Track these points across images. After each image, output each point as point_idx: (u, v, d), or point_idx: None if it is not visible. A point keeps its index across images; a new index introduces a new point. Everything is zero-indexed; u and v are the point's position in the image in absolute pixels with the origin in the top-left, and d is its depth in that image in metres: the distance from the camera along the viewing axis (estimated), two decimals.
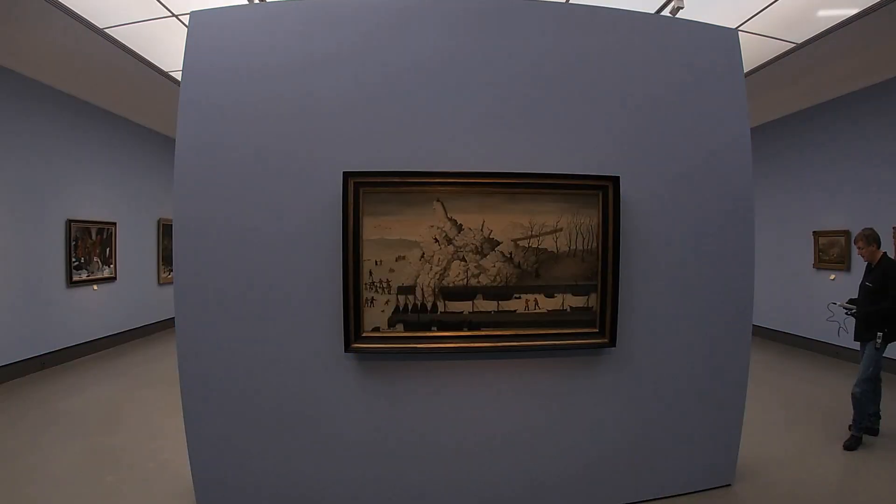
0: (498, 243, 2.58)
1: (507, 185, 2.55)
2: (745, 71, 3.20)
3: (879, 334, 3.49)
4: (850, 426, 3.63)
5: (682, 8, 3.86)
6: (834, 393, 4.82)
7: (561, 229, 2.61)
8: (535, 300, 2.61)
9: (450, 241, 2.55)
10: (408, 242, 2.52)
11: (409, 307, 2.54)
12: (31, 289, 5.40)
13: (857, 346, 5.59)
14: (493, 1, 2.69)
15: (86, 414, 4.17)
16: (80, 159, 6.16)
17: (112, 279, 6.71)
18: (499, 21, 2.66)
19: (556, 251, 2.61)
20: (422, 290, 2.54)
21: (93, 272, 6.34)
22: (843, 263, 6.04)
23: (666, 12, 4.06)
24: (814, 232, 6.46)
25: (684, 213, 2.79)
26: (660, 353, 2.78)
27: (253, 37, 2.55)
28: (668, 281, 2.76)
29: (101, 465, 3.20)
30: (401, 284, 2.52)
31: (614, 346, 2.64)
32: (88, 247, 6.26)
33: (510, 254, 2.58)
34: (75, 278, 6.01)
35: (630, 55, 2.75)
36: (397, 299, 2.53)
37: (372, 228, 2.50)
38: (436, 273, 2.54)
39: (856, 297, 3.85)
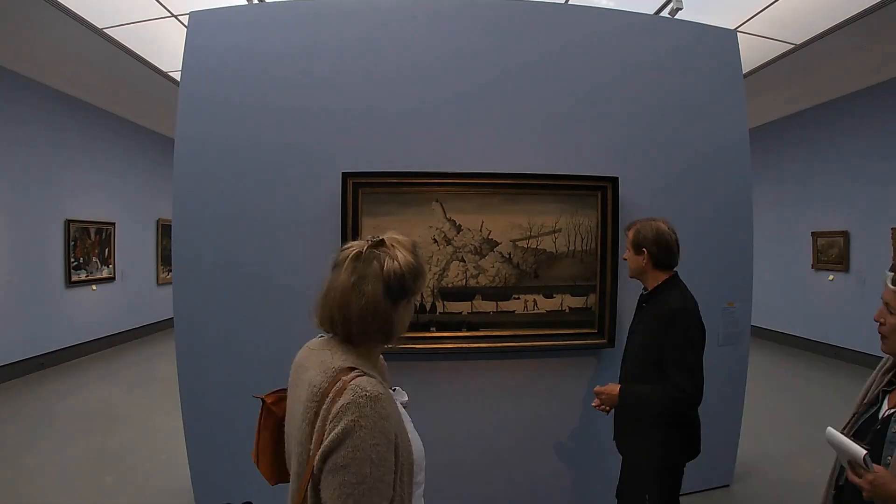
0: (497, 244, 2.58)
1: (505, 186, 2.55)
2: (743, 72, 3.20)
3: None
4: None
5: (681, 9, 3.86)
6: (832, 393, 4.83)
7: (560, 230, 2.61)
8: (534, 301, 2.62)
9: (448, 242, 2.55)
10: None
11: None
12: (31, 289, 5.39)
13: (857, 343, 5.43)
14: (492, 2, 2.69)
15: (85, 414, 4.16)
16: (78, 159, 6.15)
17: (111, 279, 6.70)
18: (498, 21, 2.66)
19: (554, 252, 2.61)
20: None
21: (91, 272, 6.33)
22: (841, 264, 6.04)
23: (665, 13, 4.07)
24: (812, 232, 6.46)
25: (683, 213, 2.78)
26: None
27: (252, 37, 2.55)
28: None
29: (100, 465, 3.20)
30: None
31: (613, 346, 2.64)
32: (87, 247, 6.25)
33: (509, 254, 2.59)
34: (74, 278, 6.00)
35: (629, 56, 2.75)
36: None
37: (371, 229, 2.49)
38: (434, 274, 2.54)
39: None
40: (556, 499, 2.75)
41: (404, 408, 1.13)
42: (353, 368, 0.96)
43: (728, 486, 2.97)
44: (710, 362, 2.82)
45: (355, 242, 1.07)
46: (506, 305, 2.60)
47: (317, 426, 0.91)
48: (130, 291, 7.14)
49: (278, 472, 1.18)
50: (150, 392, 4.80)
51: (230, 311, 2.52)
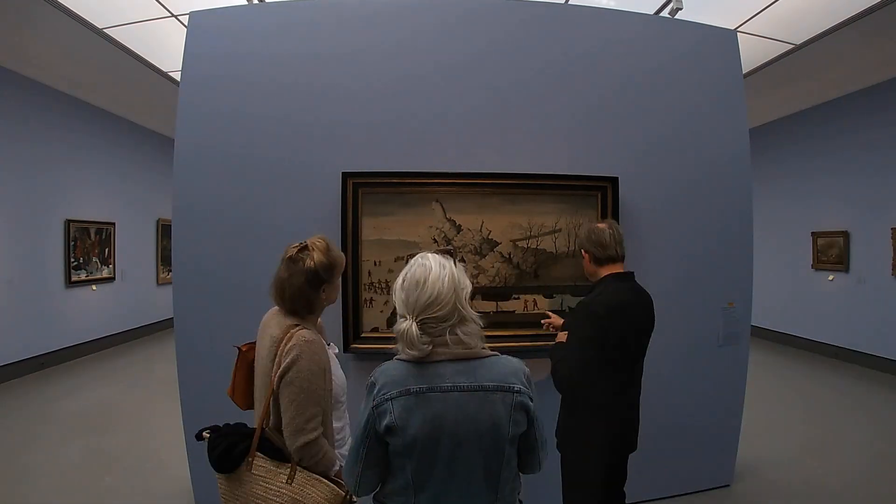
0: (497, 244, 2.58)
1: (505, 186, 2.55)
2: (744, 72, 3.20)
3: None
4: None
5: (681, 9, 3.86)
6: (832, 393, 4.83)
7: (560, 230, 2.61)
8: (534, 301, 2.61)
9: (449, 242, 2.55)
10: (406, 243, 2.52)
11: None
12: (31, 289, 5.39)
13: (857, 343, 5.44)
14: (492, 5, 2.69)
15: (84, 414, 4.16)
16: (78, 159, 6.15)
17: (111, 279, 6.70)
18: (498, 21, 2.66)
19: (554, 252, 2.61)
20: None
21: (92, 272, 6.33)
22: (841, 264, 6.04)
23: (665, 13, 4.07)
24: (812, 232, 6.46)
25: (683, 213, 2.79)
26: (658, 353, 2.78)
27: (252, 37, 2.55)
28: (666, 281, 2.76)
29: (99, 466, 3.20)
30: None
31: None
32: (87, 247, 6.25)
33: (509, 254, 2.59)
34: (74, 278, 6.00)
35: (629, 56, 2.75)
36: None
37: (371, 229, 2.50)
38: None
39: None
40: (557, 497, 2.75)
41: (335, 355, 1.66)
42: (296, 325, 1.49)
43: (728, 486, 2.97)
44: (709, 362, 2.84)
45: (292, 246, 1.55)
46: (506, 305, 2.59)
47: (276, 361, 1.43)
48: (130, 291, 7.14)
49: (247, 401, 1.69)
50: (149, 392, 4.80)
51: (230, 312, 2.51)
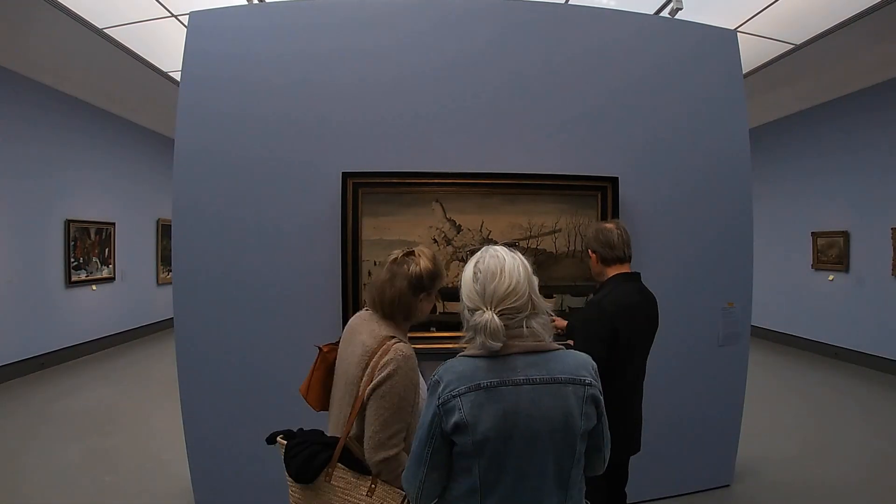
0: (497, 244, 2.57)
1: (505, 186, 2.55)
2: (743, 72, 3.20)
3: None
4: None
5: (681, 9, 3.86)
6: (832, 393, 4.83)
7: (560, 230, 2.61)
8: None
9: (449, 242, 2.55)
10: (406, 243, 2.51)
11: None
12: (31, 289, 5.39)
13: (857, 343, 5.40)
14: (493, 5, 2.69)
15: (85, 414, 4.16)
16: (79, 159, 6.15)
17: (111, 279, 6.70)
18: (498, 24, 2.66)
19: (554, 252, 2.61)
20: None
21: (92, 272, 6.33)
22: (841, 264, 6.04)
23: (665, 13, 4.07)
24: (812, 232, 6.46)
25: (683, 213, 2.79)
26: (658, 353, 2.78)
27: (252, 37, 2.55)
28: (666, 281, 2.76)
29: (99, 466, 3.20)
30: None
31: None
32: (87, 247, 6.25)
33: None
34: (74, 278, 6.00)
35: (629, 56, 2.75)
36: None
37: (371, 229, 2.50)
38: None
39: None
40: None
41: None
42: (392, 336, 1.44)
43: (728, 486, 2.97)
44: (709, 362, 2.84)
45: (397, 251, 1.55)
46: None
47: (367, 371, 1.39)
48: (130, 291, 7.13)
49: (322, 403, 1.65)
50: (149, 392, 4.80)
51: (230, 312, 2.52)
